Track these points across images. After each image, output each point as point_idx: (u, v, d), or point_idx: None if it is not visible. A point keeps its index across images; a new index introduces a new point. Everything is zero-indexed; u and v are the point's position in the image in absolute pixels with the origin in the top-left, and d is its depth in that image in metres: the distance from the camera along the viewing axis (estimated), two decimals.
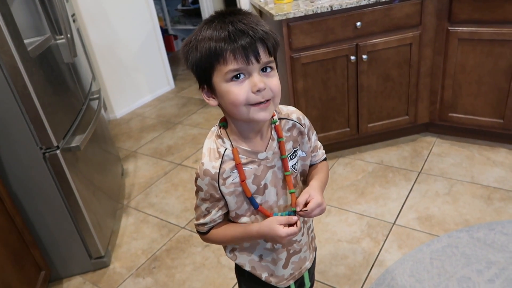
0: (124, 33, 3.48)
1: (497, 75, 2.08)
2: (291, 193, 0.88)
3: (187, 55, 0.78)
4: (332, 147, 2.44)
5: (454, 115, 2.30)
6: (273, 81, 0.78)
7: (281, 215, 0.85)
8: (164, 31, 4.88)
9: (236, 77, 0.75)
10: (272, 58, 0.78)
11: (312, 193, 0.86)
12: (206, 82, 0.79)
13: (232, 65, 0.74)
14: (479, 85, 2.15)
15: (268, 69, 0.78)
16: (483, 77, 2.12)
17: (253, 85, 0.75)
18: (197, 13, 4.64)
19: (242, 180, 0.84)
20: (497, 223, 1.77)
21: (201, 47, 0.75)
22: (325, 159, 1.02)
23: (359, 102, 2.27)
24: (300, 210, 0.85)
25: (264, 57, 0.76)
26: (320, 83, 2.20)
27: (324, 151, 1.02)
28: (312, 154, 0.97)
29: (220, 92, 0.78)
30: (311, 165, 0.99)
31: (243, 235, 0.90)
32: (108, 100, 3.48)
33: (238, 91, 0.76)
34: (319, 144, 1.00)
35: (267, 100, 0.77)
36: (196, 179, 0.86)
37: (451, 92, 2.25)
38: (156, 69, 3.86)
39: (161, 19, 5.03)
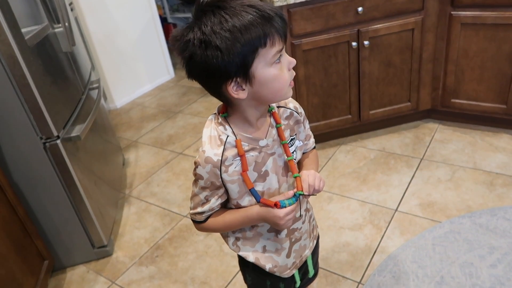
0: (122, 22, 3.44)
1: (500, 60, 2.06)
2: (295, 177, 0.87)
3: (220, 48, 0.69)
4: (334, 134, 2.43)
5: (457, 101, 2.28)
6: None
7: (289, 203, 0.84)
8: (163, 20, 4.83)
9: (279, 58, 0.76)
10: None
11: (305, 173, 0.88)
12: (242, 72, 0.73)
13: (279, 46, 0.74)
14: (482, 71, 2.13)
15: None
16: (486, 62, 2.10)
17: (289, 62, 0.78)
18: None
19: (243, 171, 0.82)
20: (499, 209, 1.77)
21: (240, 35, 0.69)
22: (314, 148, 1.03)
23: (361, 88, 2.25)
24: (308, 194, 0.86)
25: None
26: (321, 70, 2.18)
27: (314, 139, 1.02)
28: (304, 142, 0.97)
29: (263, 78, 0.74)
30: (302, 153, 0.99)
31: (244, 219, 0.88)
32: (108, 90, 3.46)
33: (283, 72, 0.77)
34: (311, 133, 1.01)
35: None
36: (196, 168, 0.85)
37: (453, 77, 2.22)
38: (155, 58, 3.83)
39: (160, 7, 4.96)
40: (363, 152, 2.33)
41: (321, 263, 1.66)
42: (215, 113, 0.87)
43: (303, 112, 0.95)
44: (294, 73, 0.80)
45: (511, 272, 1.48)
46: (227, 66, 0.71)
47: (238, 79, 0.74)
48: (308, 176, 0.86)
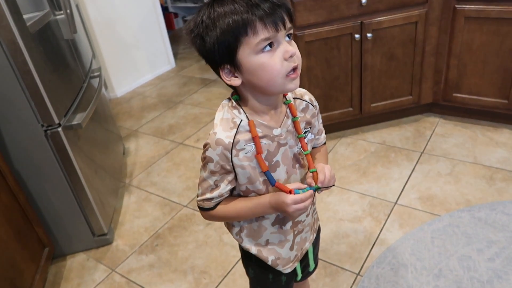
0: (124, 10, 3.41)
1: (504, 55, 2.05)
2: (312, 171, 0.85)
3: (203, 36, 0.74)
4: (335, 127, 2.43)
5: (458, 95, 2.28)
6: (296, 49, 0.76)
7: (303, 192, 0.82)
8: (165, 9, 4.80)
9: (270, 45, 0.73)
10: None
11: (321, 165, 0.86)
12: (229, 60, 0.75)
13: (263, 34, 0.71)
14: (485, 65, 2.13)
15: (290, 37, 0.77)
16: (489, 56, 2.09)
17: (285, 52, 0.74)
18: None
19: (258, 153, 0.81)
20: (498, 203, 1.77)
21: (221, 24, 0.71)
22: (324, 143, 1.02)
23: (363, 81, 2.25)
24: (323, 187, 0.84)
25: (288, 23, 0.74)
26: (323, 62, 2.17)
27: (325, 135, 1.01)
28: (316, 137, 0.96)
29: (250, 67, 0.74)
30: (312, 148, 0.98)
31: (256, 206, 0.86)
32: (109, 78, 3.45)
33: (274, 61, 0.73)
34: (322, 127, 1.00)
35: (295, 69, 0.76)
36: (205, 150, 0.82)
37: (456, 71, 2.22)
38: (156, 48, 3.81)
39: None
40: (363, 145, 2.33)
41: (320, 255, 1.66)
42: (229, 98, 0.85)
43: (317, 105, 0.93)
44: (295, 64, 0.75)
45: (508, 265, 1.49)
46: (211, 53, 0.75)
47: (228, 66, 0.76)
48: (325, 168, 0.85)
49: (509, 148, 2.11)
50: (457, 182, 1.95)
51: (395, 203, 1.88)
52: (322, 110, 2.29)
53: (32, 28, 1.53)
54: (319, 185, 0.83)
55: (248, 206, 0.87)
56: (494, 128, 2.28)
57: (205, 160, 0.84)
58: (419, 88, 2.32)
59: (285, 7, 0.73)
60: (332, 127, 2.43)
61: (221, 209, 0.89)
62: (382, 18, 2.08)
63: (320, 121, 0.97)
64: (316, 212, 1.07)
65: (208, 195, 0.87)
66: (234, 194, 0.91)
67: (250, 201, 0.87)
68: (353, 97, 2.30)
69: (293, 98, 0.89)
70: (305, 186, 0.84)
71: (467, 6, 2.03)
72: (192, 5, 4.97)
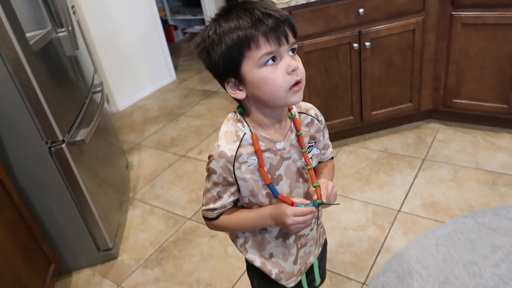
0: (124, 24, 3.45)
1: (501, 60, 2.07)
2: (315, 186, 0.85)
3: (209, 50, 0.76)
4: (336, 135, 2.44)
5: (458, 101, 2.29)
6: (300, 63, 0.78)
7: (305, 207, 0.82)
8: (164, 22, 4.85)
9: (272, 59, 0.75)
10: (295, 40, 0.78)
11: (325, 180, 0.87)
12: (233, 74, 0.77)
13: (266, 48, 0.73)
14: (483, 70, 2.14)
15: (294, 52, 0.78)
16: (487, 62, 2.11)
17: (287, 66, 0.75)
18: (196, 2, 4.60)
19: (260, 166, 0.82)
20: (502, 208, 1.77)
21: (226, 39, 0.73)
22: (331, 158, 1.02)
23: (363, 89, 2.26)
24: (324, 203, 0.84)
25: (291, 38, 0.76)
26: (323, 72, 2.19)
27: (332, 149, 1.02)
28: (322, 152, 0.97)
29: (253, 80, 0.76)
30: (319, 163, 0.99)
31: (257, 217, 0.87)
32: (110, 92, 3.47)
33: (276, 75, 0.75)
34: (329, 142, 1.00)
35: (298, 83, 0.77)
36: (209, 162, 0.84)
37: (454, 78, 2.23)
38: (157, 60, 3.84)
39: (160, 9, 4.99)
40: (365, 153, 2.33)
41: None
42: (235, 111, 0.87)
43: (323, 120, 0.94)
44: (298, 78, 0.77)
45: None
46: (217, 67, 0.77)
47: (233, 80, 0.78)
48: (328, 185, 0.85)
49: (511, 152, 2.12)
50: (460, 187, 1.95)
51: (399, 210, 1.88)
52: None
53: (35, 47, 1.56)
54: (323, 200, 0.83)
55: (250, 217, 0.88)
56: (495, 132, 2.28)
57: (209, 172, 0.86)
58: (419, 94, 2.33)
59: (288, 22, 0.75)
60: (333, 136, 2.43)
61: (224, 219, 0.90)
62: (379, 27, 2.10)
63: (327, 136, 0.97)
64: (322, 226, 1.07)
65: (211, 206, 0.89)
66: (238, 206, 0.92)
67: (252, 212, 0.88)
68: (354, 105, 2.31)
69: (298, 112, 0.90)
70: (309, 201, 0.84)
71: (464, 13, 2.05)
72: (192, 17, 5.02)
